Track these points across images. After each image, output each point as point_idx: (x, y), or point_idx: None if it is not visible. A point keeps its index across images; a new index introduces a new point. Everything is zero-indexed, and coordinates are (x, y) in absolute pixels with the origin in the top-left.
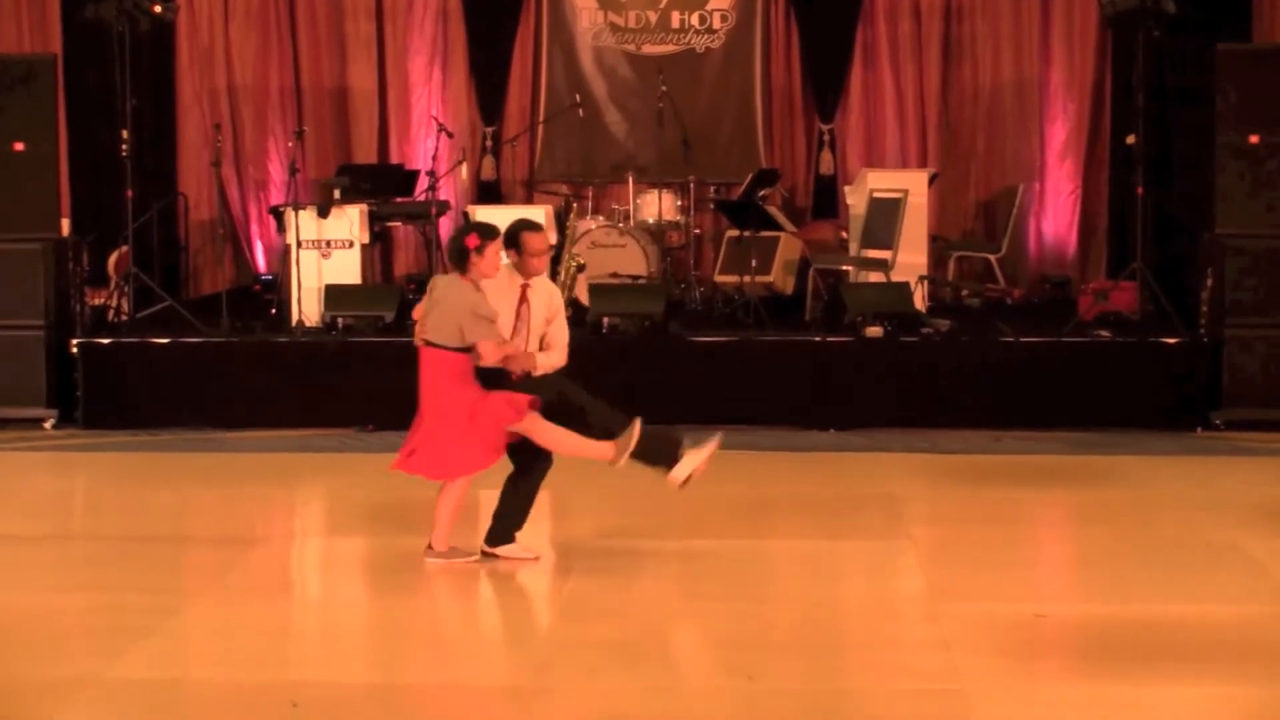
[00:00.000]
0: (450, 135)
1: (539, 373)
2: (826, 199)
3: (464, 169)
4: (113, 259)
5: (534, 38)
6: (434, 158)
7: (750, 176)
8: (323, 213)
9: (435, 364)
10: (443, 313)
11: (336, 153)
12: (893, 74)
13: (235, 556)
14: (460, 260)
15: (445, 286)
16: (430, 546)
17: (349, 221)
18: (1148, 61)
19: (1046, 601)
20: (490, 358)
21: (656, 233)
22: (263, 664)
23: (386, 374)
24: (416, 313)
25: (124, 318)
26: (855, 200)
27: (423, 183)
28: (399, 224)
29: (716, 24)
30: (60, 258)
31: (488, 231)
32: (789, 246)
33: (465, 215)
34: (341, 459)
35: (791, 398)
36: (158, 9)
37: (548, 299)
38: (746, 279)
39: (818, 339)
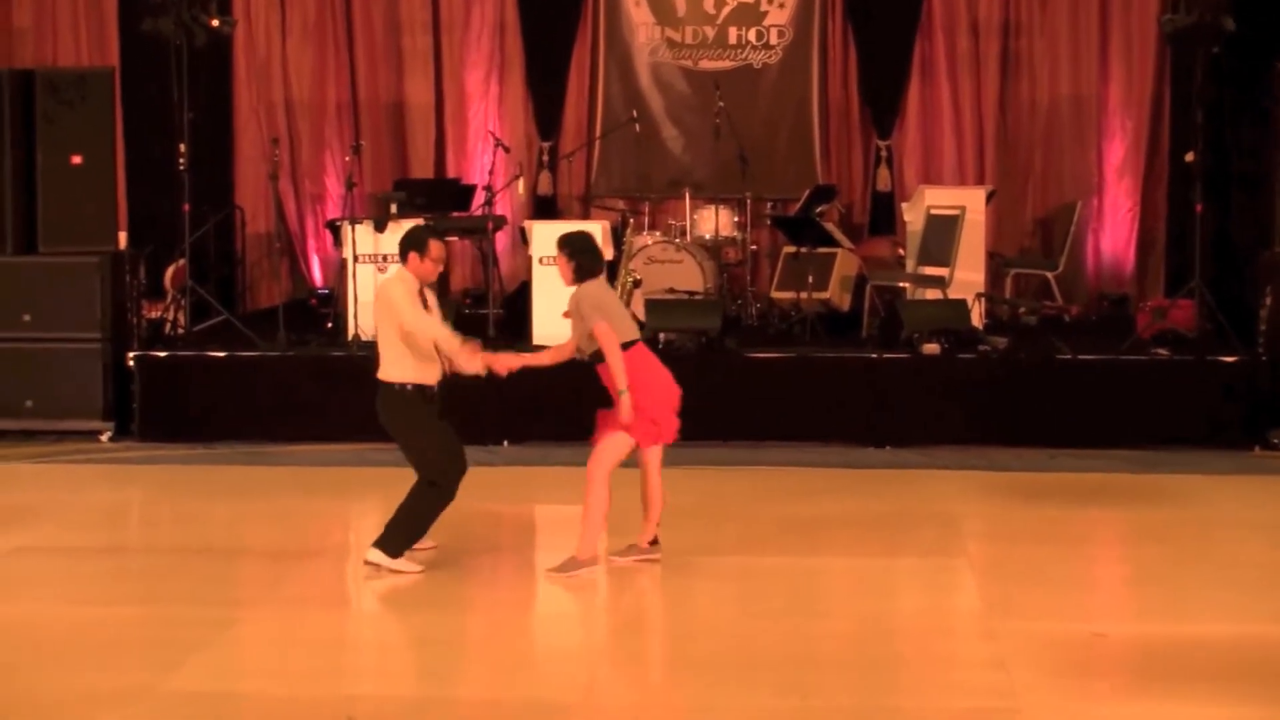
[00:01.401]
0: (507, 150)
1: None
2: (883, 215)
3: (520, 184)
4: (169, 272)
5: (591, 53)
6: (490, 172)
7: (807, 192)
8: (379, 227)
9: None
10: None
11: (393, 167)
12: (950, 90)
13: (290, 569)
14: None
15: None
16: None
17: None
18: (1206, 78)
19: (1103, 620)
20: None
21: (713, 248)
22: (317, 677)
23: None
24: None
25: (180, 331)
26: (912, 217)
27: (479, 197)
28: (455, 239)
29: (774, 40)
30: (117, 271)
31: None
32: (846, 263)
33: (522, 231)
34: (396, 473)
35: (847, 414)
36: (215, 23)
37: None
38: (803, 295)
39: (874, 356)
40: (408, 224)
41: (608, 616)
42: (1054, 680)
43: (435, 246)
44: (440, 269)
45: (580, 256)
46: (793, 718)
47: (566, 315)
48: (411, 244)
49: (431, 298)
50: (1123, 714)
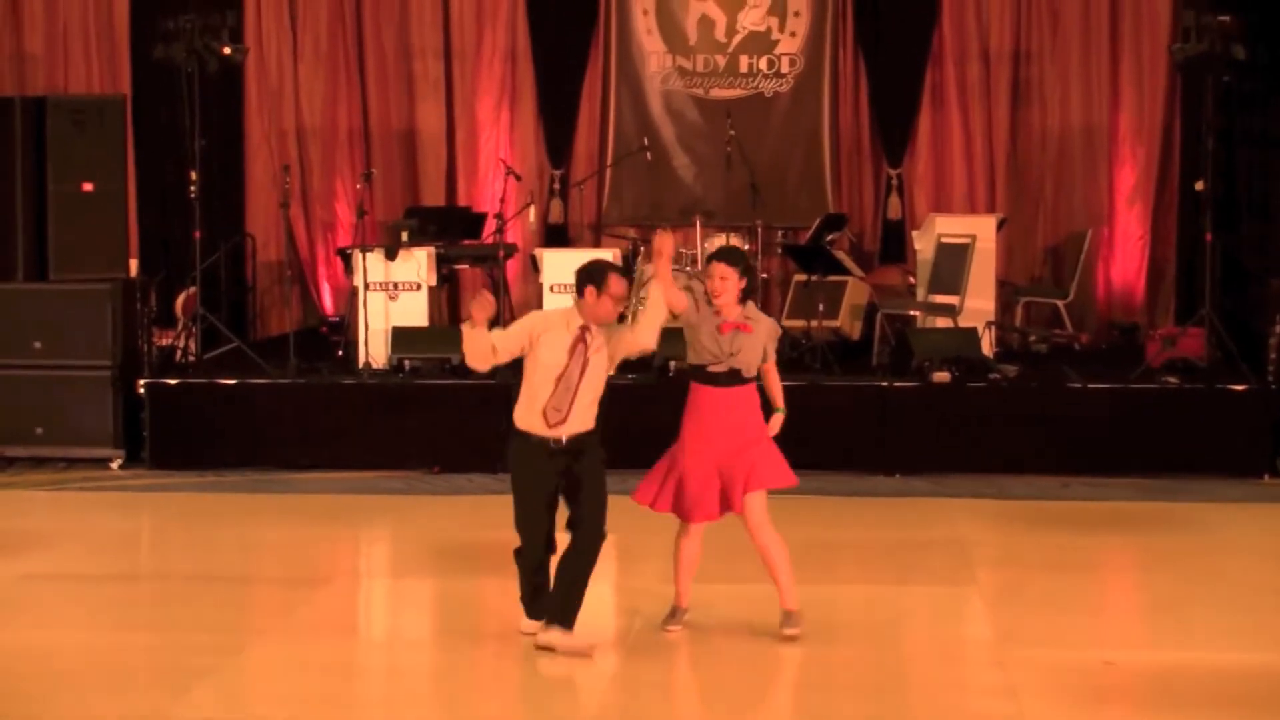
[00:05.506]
0: (518, 178)
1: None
2: (894, 244)
3: (532, 212)
4: (180, 299)
5: (602, 81)
6: (502, 200)
7: (818, 221)
8: (390, 255)
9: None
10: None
11: (404, 195)
12: (961, 118)
13: (300, 597)
14: None
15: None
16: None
17: (416, 264)
18: (1217, 107)
19: (1114, 648)
20: None
21: None
22: (326, 705)
23: (453, 416)
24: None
25: (191, 358)
26: (923, 245)
27: (490, 225)
28: (466, 266)
29: (785, 68)
30: (128, 298)
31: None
32: (856, 291)
33: (533, 259)
34: (408, 501)
35: (858, 442)
36: (227, 50)
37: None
38: (814, 323)
39: (884, 384)
40: (418, 252)
41: (618, 644)
42: (1064, 708)
43: (616, 282)
44: (620, 308)
45: (752, 275)
46: None
47: (732, 328)
48: (589, 277)
49: (599, 335)
50: None
